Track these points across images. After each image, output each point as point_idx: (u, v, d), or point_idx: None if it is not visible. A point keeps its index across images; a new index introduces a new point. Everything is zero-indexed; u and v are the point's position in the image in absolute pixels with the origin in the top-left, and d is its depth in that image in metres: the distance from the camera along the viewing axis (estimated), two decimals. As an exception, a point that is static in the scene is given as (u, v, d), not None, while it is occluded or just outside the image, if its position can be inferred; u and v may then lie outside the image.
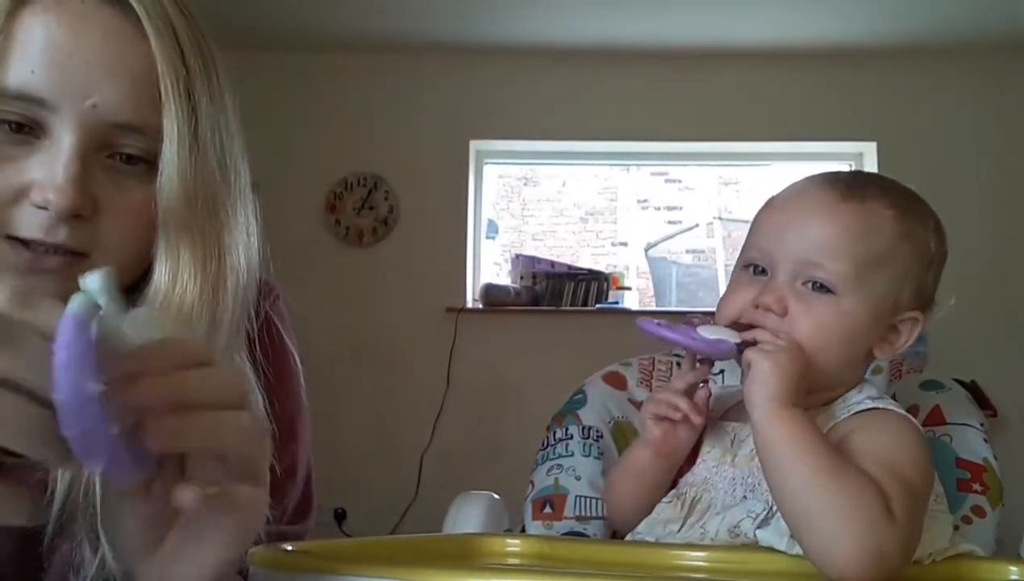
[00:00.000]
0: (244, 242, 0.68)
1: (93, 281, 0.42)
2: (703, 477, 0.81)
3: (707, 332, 0.75)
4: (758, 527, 0.74)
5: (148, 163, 0.63)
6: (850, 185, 0.79)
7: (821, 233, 0.77)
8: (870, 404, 0.77)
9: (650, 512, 0.84)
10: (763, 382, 0.70)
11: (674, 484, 0.84)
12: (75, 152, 0.60)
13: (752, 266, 0.81)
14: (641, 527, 0.83)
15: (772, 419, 0.69)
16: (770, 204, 0.83)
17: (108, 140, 0.62)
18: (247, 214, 0.70)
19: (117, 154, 0.63)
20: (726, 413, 0.85)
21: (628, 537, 0.85)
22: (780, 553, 0.72)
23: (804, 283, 0.77)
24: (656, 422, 0.80)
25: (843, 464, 0.67)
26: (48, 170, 0.60)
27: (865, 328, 0.77)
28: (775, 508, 0.72)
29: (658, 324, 0.75)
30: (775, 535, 0.72)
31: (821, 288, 0.76)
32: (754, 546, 0.74)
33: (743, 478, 0.78)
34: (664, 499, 0.83)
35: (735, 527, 0.75)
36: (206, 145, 0.64)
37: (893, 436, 0.73)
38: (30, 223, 0.60)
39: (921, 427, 0.76)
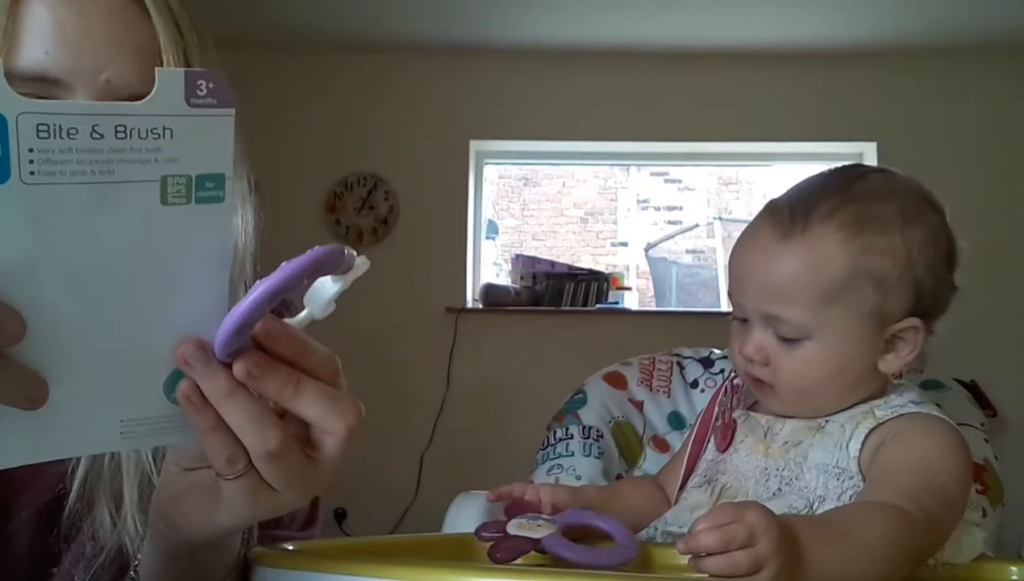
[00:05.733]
0: (239, 211, 0.70)
1: (361, 262, 0.44)
2: (735, 465, 0.81)
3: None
4: None
5: None
6: (793, 214, 0.76)
7: (769, 283, 0.76)
8: (914, 408, 0.75)
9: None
10: None
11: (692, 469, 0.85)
12: None
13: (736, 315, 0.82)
14: (669, 515, 0.83)
15: None
16: (734, 246, 0.82)
17: None
18: (241, 184, 0.71)
19: None
20: (754, 404, 0.85)
21: (656, 523, 0.84)
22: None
23: (775, 335, 0.77)
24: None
25: (867, 539, 0.62)
26: None
27: (853, 353, 0.76)
28: (816, 506, 0.72)
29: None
30: None
31: (789, 339, 0.76)
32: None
33: (777, 470, 0.77)
34: (693, 483, 0.83)
35: None
36: None
37: (935, 446, 0.71)
38: None
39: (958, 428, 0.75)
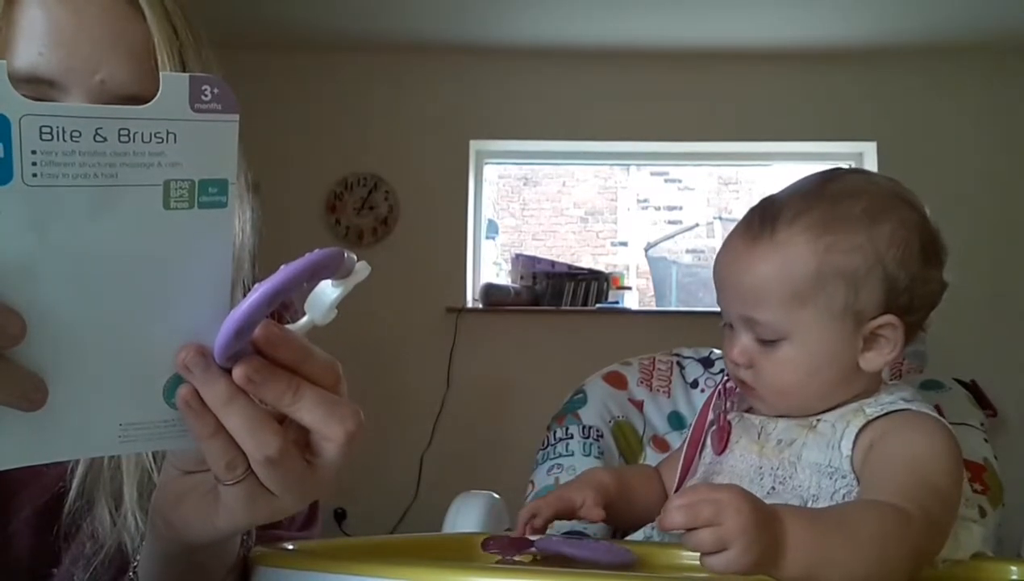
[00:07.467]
0: (236, 210, 0.70)
1: (362, 267, 0.44)
2: (730, 466, 0.81)
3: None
4: None
5: None
6: (763, 218, 0.77)
7: (743, 287, 0.77)
8: (903, 405, 0.76)
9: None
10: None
11: (689, 468, 0.86)
12: None
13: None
14: None
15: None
16: (716, 253, 0.83)
17: None
18: (239, 181, 0.71)
19: None
20: (750, 408, 0.85)
21: (655, 523, 0.85)
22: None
23: (755, 338, 0.78)
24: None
25: (857, 530, 0.61)
26: None
27: (832, 352, 0.76)
28: (810, 505, 0.72)
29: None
30: None
31: (767, 341, 0.77)
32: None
33: (772, 469, 0.78)
34: (690, 484, 0.84)
35: None
36: None
37: (926, 445, 0.72)
38: None
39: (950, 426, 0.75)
